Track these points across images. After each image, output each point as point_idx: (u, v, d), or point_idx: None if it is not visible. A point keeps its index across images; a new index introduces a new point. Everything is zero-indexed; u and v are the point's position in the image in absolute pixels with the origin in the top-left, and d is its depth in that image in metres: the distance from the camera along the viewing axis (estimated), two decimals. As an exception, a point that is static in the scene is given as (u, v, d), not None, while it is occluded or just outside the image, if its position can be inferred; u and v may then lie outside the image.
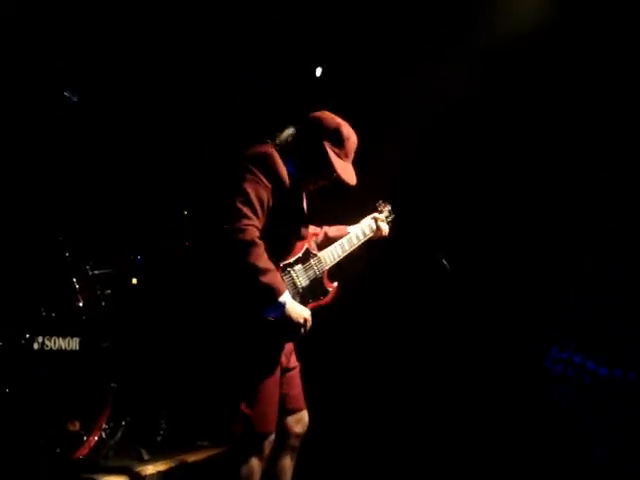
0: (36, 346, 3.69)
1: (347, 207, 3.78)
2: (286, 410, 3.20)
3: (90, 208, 4.79)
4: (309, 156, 3.17)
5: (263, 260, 2.88)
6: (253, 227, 2.89)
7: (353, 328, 5.54)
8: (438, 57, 5.24)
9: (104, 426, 3.89)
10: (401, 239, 5.27)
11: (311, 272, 3.19)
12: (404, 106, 5.35)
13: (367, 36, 5.37)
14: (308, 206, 3.34)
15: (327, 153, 3.13)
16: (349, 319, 5.47)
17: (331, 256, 3.32)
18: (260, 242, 2.89)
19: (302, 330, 3.02)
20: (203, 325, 3.36)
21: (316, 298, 3.20)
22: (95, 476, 3.68)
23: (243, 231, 2.85)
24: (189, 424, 4.46)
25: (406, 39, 5.30)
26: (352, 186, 3.22)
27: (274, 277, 2.91)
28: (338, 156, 3.16)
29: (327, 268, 3.29)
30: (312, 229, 3.38)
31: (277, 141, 3.18)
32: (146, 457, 4.03)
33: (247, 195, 2.91)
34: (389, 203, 3.83)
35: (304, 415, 3.31)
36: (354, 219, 3.70)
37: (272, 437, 3.06)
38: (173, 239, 4.70)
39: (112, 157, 5.02)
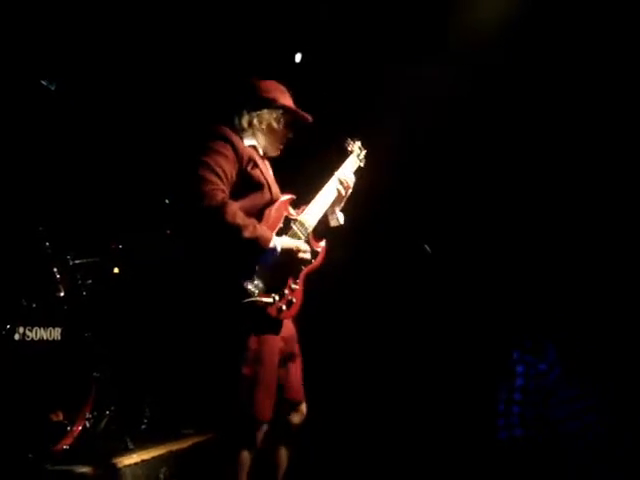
0: (17, 337, 3.65)
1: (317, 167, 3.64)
2: (284, 400, 3.15)
3: (70, 197, 4.77)
4: (270, 120, 3.23)
5: (240, 217, 2.89)
6: (219, 190, 2.89)
7: (336, 315, 5.55)
8: (426, 51, 5.26)
9: (88, 416, 3.88)
10: (384, 226, 5.33)
11: (296, 238, 3.13)
12: (389, 96, 5.36)
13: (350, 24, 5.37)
14: (275, 174, 3.33)
15: (292, 109, 3.26)
16: (332, 306, 5.48)
17: (312, 215, 3.26)
18: (230, 201, 2.90)
19: (302, 260, 3.05)
20: (190, 310, 3.32)
21: (308, 262, 3.16)
22: (79, 466, 3.67)
23: (211, 196, 2.86)
24: (174, 412, 4.46)
25: (393, 30, 5.30)
26: (309, 122, 3.31)
27: (255, 229, 2.91)
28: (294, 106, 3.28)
29: (311, 229, 3.23)
30: (287, 195, 3.28)
31: (233, 124, 3.21)
32: (131, 446, 4.01)
33: (208, 164, 2.94)
34: (357, 138, 3.68)
35: (302, 407, 3.28)
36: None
37: (265, 427, 3.02)
38: (155, 227, 4.68)
39: (92, 146, 4.98)
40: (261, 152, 3.26)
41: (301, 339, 3.32)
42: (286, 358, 3.18)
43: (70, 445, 3.77)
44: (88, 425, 3.88)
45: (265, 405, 2.99)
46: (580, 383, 4.19)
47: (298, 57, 5.57)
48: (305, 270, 3.16)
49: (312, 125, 3.35)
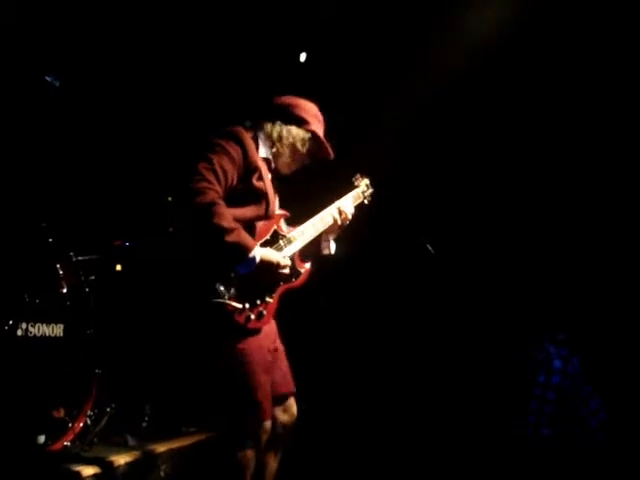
0: (20, 332, 3.64)
1: (322, 191, 3.66)
2: (273, 396, 3.12)
3: (74, 194, 4.76)
4: (294, 140, 3.20)
5: (226, 220, 2.87)
6: (213, 191, 2.88)
7: (336, 314, 5.55)
8: (424, 47, 5.26)
9: (89, 413, 3.87)
10: (385, 224, 5.33)
11: (281, 253, 3.09)
12: (390, 92, 5.37)
13: (353, 24, 5.36)
14: (278, 190, 3.31)
15: (320, 138, 3.23)
16: (333, 305, 5.49)
17: (302, 235, 3.23)
18: (221, 202, 2.89)
19: (281, 275, 3.03)
20: (177, 308, 3.29)
21: (288, 280, 3.14)
22: (80, 463, 3.66)
23: (203, 193, 2.85)
24: (175, 410, 4.46)
25: (393, 28, 5.30)
26: (330, 159, 3.30)
27: (239, 234, 2.89)
28: (318, 131, 3.25)
29: (298, 249, 3.21)
30: (282, 211, 3.28)
31: (253, 129, 3.20)
32: (131, 443, 4.02)
33: (211, 162, 2.93)
34: (366, 176, 3.69)
35: (291, 403, 3.25)
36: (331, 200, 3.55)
37: (268, 424, 3.01)
38: (158, 225, 4.68)
39: (96, 143, 4.98)
40: (272, 166, 3.22)
41: (304, 339, 3.31)
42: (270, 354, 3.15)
43: (71, 442, 3.76)
44: (89, 422, 3.87)
45: (265, 405, 2.98)
46: (592, 379, 4.24)
47: (303, 56, 5.57)
48: (283, 287, 3.12)
49: (331, 161, 3.34)
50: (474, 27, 5.14)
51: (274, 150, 3.21)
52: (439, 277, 5.07)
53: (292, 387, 3.26)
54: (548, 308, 4.74)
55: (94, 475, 3.59)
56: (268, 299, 3.06)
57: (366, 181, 3.66)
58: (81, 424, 3.83)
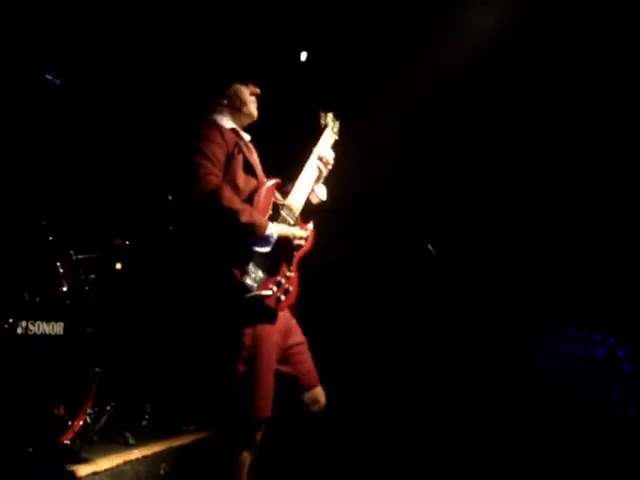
0: (20, 330, 3.64)
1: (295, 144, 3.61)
2: (300, 388, 3.15)
3: (74, 192, 4.76)
4: (231, 93, 3.26)
5: (235, 201, 2.89)
6: (213, 175, 2.91)
7: (339, 315, 5.54)
8: (423, 45, 5.26)
9: (89, 411, 3.86)
10: (386, 225, 5.33)
11: (286, 224, 3.10)
12: (390, 93, 5.36)
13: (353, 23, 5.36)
14: (260, 158, 3.33)
15: (232, 71, 3.30)
16: (335, 306, 5.48)
17: (298, 198, 3.22)
18: (225, 185, 2.92)
19: (298, 247, 3.05)
20: (189, 307, 3.30)
21: (300, 248, 3.13)
22: (80, 461, 3.66)
23: (206, 180, 2.88)
24: (175, 408, 4.45)
25: (392, 27, 5.30)
26: (270, 76, 3.34)
27: (252, 214, 2.91)
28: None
29: (299, 213, 3.20)
30: (273, 180, 3.25)
31: (210, 108, 3.26)
32: (131, 442, 4.02)
33: (201, 149, 2.97)
34: (329, 110, 3.57)
35: (320, 393, 3.24)
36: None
37: (264, 425, 3.00)
38: (158, 223, 4.68)
39: (96, 141, 4.98)
40: (241, 133, 3.25)
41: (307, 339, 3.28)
42: (288, 350, 3.15)
43: (71, 440, 3.76)
44: (89, 420, 3.87)
45: (262, 403, 2.96)
46: None
47: (304, 56, 5.57)
48: (297, 255, 3.13)
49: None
50: (474, 27, 5.14)
51: (229, 114, 3.25)
52: (442, 277, 5.06)
53: (317, 379, 3.25)
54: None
55: (93, 473, 3.58)
56: (289, 273, 3.07)
57: (330, 115, 3.56)
58: (81, 422, 3.82)
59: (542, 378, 4.92)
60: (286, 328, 3.17)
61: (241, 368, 2.93)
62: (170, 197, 4.71)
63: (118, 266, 4.57)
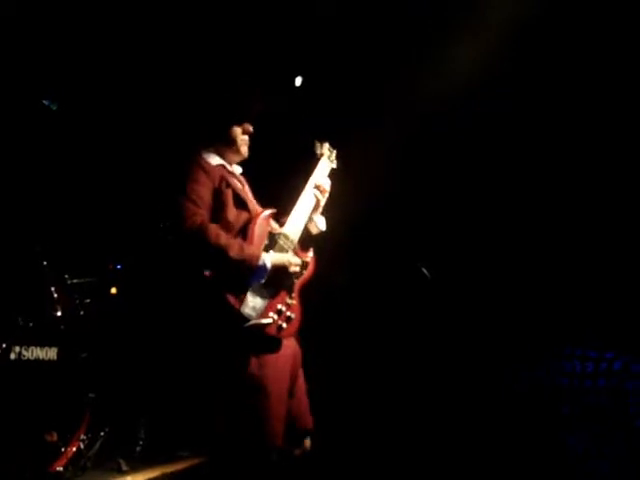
0: (13, 356, 3.62)
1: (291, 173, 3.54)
2: (294, 430, 3.05)
3: (69, 217, 4.76)
4: (212, 126, 3.24)
5: (222, 237, 2.87)
6: (197, 215, 2.90)
7: (337, 338, 5.53)
8: (422, 60, 5.29)
9: (82, 437, 3.84)
10: (381, 249, 5.33)
11: (284, 252, 3.06)
12: (385, 116, 5.39)
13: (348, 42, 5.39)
14: (252, 191, 3.31)
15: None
16: (333, 329, 5.47)
17: (295, 227, 3.18)
18: (212, 224, 2.90)
19: (294, 274, 3.02)
20: (187, 336, 3.26)
21: (300, 275, 3.10)
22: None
23: (190, 220, 2.87)
24: (169, 434, 4.42)
25: (390, 43, 5.33)
26: (259, 105, 3.28)
27: (242, 247, 2.89)
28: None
29: (297, 241, 3.16)
30: (268, 210, 3.21)
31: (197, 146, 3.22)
32: (125, 468, 3.98)
33: (185, 192, 2.95)
34: (324, 140, 3.51)
35: (307, 440, 3.14)
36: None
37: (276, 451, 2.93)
38: (152, 249, 4.68)
39: (90, 166, 5.00)
40: (230, 168, 3.22)
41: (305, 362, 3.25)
42: (294, 382, 3.10)
43: (64, 466, 3.72)
44: (82, 446, 3.84)
45: (273, 431, 2.89)
46: None
47: (299, 81, 5.60)
48: (298, 283, 3.10)
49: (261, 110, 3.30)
50: (475, 36, 5.16)
51: (214, 150, 3.20)
52: (448, 298, 5.06)
53: (310, 423, 3.17)
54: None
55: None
56: (290, 301, 3.03)
57: (327, 145, 3.51)
58: (74, 448, 3.79)
59: (553, 396, 4.95)
60: (294, 354, 3.12)
61: (250, 398, 2.88)
62: (162, 225, 4.73)
63: (113, 290, 4.57)
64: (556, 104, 5.11)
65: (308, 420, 3.15)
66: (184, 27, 5.15)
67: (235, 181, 3.18)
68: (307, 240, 3.27)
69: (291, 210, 3.24)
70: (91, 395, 3.92)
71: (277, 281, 2.98)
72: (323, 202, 3.34)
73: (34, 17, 4.63)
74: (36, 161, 4.66)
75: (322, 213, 3.38)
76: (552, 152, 5.16)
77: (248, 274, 2.90)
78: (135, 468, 4.02)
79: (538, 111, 5.17)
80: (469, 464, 4.77)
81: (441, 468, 4.76)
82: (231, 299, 2.86)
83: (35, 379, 3.71)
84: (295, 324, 3.05)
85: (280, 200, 3.32)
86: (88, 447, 3.88)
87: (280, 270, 2.98)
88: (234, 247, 2.87)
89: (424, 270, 4.14)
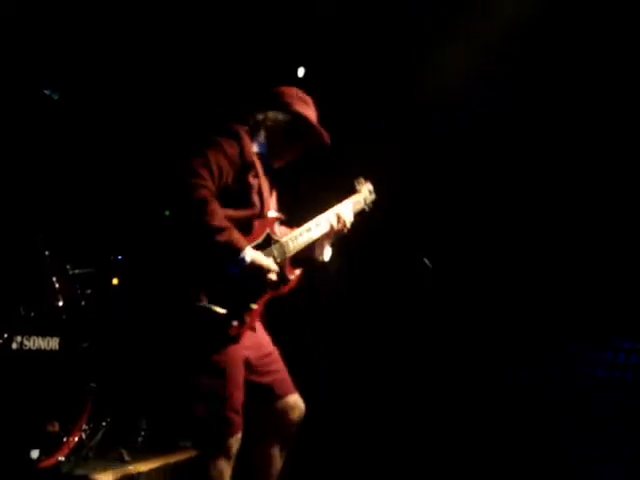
0: (15, 346, 3.61)
1: (322, 194, 3.49)
2: (275, 396, 3.10)
3: (71, 207, 4.75)
4: (281, 124, 3.13)
5: (217, 218, 2.79)
6: (205, 188, 2.80)
7: (336, 328, 5.53)
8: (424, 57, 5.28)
9: (84, 427, 3.84)
10: (383, 239, 5.31)
11: (271, 258, 2.99)
12: (387, 108, 5.37)
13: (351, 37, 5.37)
14: (277, 190, 3.24)
15: (303, 116, 3.13)
16: (333, 319, 5.46)
17: (295, 241, 3.11)
18: (213, 200, 2.81)
19: (268, 281, 2.94)
20: (172, 322, 3.20)
21: (275, 287, 3.02)
22: (74, 478, 3.64)
23: (194, 190, 2.77)
24: (171, 424, 4.42)
25: (392, 40, 5.31)
26: (326, 145, 3.19)
27: (231, 234, 2.81)
28: (310, 117, 3.16)
29: (290, 255, 3.09)
30: (277, 214, 3.18)
31: (247, 124, 3.12)
32: (127, 458, 3.98)
33: (206, 158, 2.85)
34: (369, 181, 3.48)
35: (297, 400, 3.16)
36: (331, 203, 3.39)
37: (238, 436, 2.93)
38: (154, 239, 4.67)
39: (93, 155, 4.98)
40: (266, 161, 3.14)
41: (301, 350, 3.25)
42: (259, 362, 3.08)
43: (65, 457, 3.73)
44: (84, 436, 3.84)
45: (234, 417, 2.90)
46: None
47: (301, 72, 5.57)
48: (269, 294, 3.03)
49: (329, 148, 3.21)
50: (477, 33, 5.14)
51: (265, 142, 3.13)
52: (437, 290, 5.04)
53: (292, 387, 3.18)
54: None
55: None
56: (252, 305, 2.96)
57: (369, 186, 3.49)
58: (76, 439, 3.80)
59: (554, 396, 4.93)
60: (252, 343, 3.07)
61: (207, 384, 2.89)
62: (167, 212, 4.71)
63: (115, 281, 4.56)
64: (556, 104, 5.10)
65: (288, 385, 3.15)
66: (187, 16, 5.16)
67: (263, 175, 3.09)
68: (302, 261, 3.20)
69: (301, 225, 3.19)
70: (93, 385, 3.91)
71: (248, 280, 2.90)
72: (337, 233, 3.26)
73: (35, 5, 4.62)
74: (38, 151, 4.65)
75: (332, 244, 3.31)
76: (551, 151, 5.15)
77: (225, 261, 2.84)
78: (137, 458, 4.03)
79: (538, 111, 5.15)
80: (468, 462, 4.77)
81: (441, 466, 4.76)
82: (194, 289, 2.83)
83: (37, 369, 3.70)
84: (247, 327, 2.97)
85: (300, 213, 3.27)
86: (90, 437, 3.89)
87: (256, 271, 2.89)
88: (223, 232, 2.80)
89: (426, 261, 4.09)
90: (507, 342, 5.13)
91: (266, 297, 3.03)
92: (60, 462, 3.71)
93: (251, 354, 3.06)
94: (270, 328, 3.24)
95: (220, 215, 2.82)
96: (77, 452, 3.81)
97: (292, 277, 3.12)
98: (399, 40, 5.29)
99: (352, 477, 4.76)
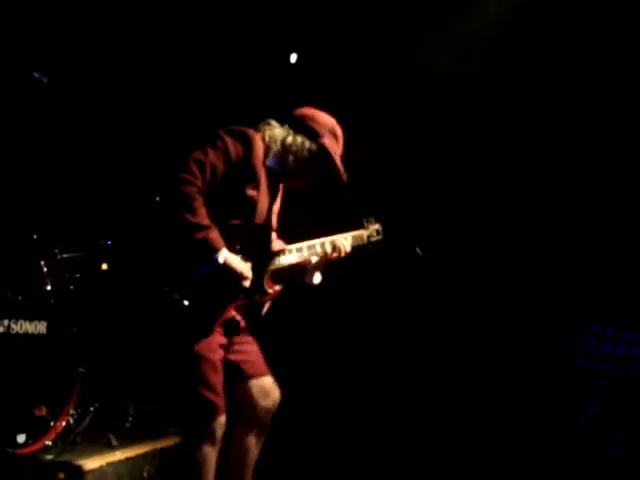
0: (2, 329, 3.60)
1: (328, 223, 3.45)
2: (246, 376, 3.09)
3: (59, 191, 4.73)
4: (305, 151, 3.08)
5: (198, 216, 2.80)
6: (193, 185, 2.82)
7: (328, 318, 5.51)
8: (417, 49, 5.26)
9: (72, 412, 3.84)
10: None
11: (250, 264, 2.99)
12: (379, 98, 5.36)
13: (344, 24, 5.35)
14: (275, 202, 3.21)
15: (329, 152, 3.09)
16: (325, 309, 5.45)
17: (283, 258, 3.12)
18: (199, 197, 2.82)
19: (239, 287, 2.94)
20: (151, 308, 3.19)
21: (249, 295, 3.03)
22: (62, 463, 3.62)
23: (182, 184, 2.80)
24: (159, 409, 4.41)
25: (383, 29, 5.29)
26: (342, 182, 3.15)
27: (208, 233, 2.82)
28: (335, 154, 3.12)
29: (274, 269, 3.09)
30: (272, 226, 3.18)
31: (265, 134, 3.09)
32: (114, 443, 3.96)
33: (204, 155, 2.87)
34: (379, 222, 3.46)
35: (271, 386, 3.15)
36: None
37: (221, 419, 2.94)
38: (144, 223, 4.65)
39: (82, 139, 4.95)
40: (277, 177, 3.12)
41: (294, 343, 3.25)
42: (232, 341, 3.08)
43: (52, 441, 3.72)
44: (71, 421, 3.83)
45: (210, 400, 2.90)
46: None
47: (293, 57, 5.54)
48: (241, 301, 3.04)
49: (344, 186, 3.19)
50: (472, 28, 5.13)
51: (282, 159, 3.09)
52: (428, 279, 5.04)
53: (266, 369, 3.17)
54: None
55: (75, 475, 3.54)
56: (223, 307, 2.99)
57: (377, 227, 3.45)
58: (63, 423, 3.79)
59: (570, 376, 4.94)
60: (226, 326, 3.06)
61: (185, 368, 2.93)
62: (157, 198, 4.69)
63: (104, 266, 4.53)
64: (554, 94, 5.09)
65: (261, 367, 3.15)
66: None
67: (266, 189, 3.08)
68: (291, 281, 3.19)
69: (292, 244, 3.19)
70: (81, 370, 3.90)
71: (222, 282, 2.90)
72: (329, 260, 3.22)
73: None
74: (26, 134, 4.62)
75: (323, 272, 3.28)
76: (548, 141, 5.14)
77: (199, 259, 2.85)
78: (125, 443, 4.00)
79: (536, 101, 5.14)
80: (467, 460, 4.78)
81: (436, 462, 4.77)
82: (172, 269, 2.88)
83: (24, 353, 3.69)
84: (218, 324, 3.00)
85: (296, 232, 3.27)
86: (77, 422, 3.87)
87: (229, 273, 2.89)
88: (201, 231, 2.81)
89: (418, 250, 4.08)
90: (504, 335, 5.13)
91: (239, 302, 3.04)
92: (47, 446, 3.70)
93: (227, 337, 3.06)
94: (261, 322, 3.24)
95: (202, 214, 2.83)
96: (64, 437, 3.79)
97: (270, 291, 3.10)
98: (396, 32, 5.27)
99: (350, 471, 4.74)
